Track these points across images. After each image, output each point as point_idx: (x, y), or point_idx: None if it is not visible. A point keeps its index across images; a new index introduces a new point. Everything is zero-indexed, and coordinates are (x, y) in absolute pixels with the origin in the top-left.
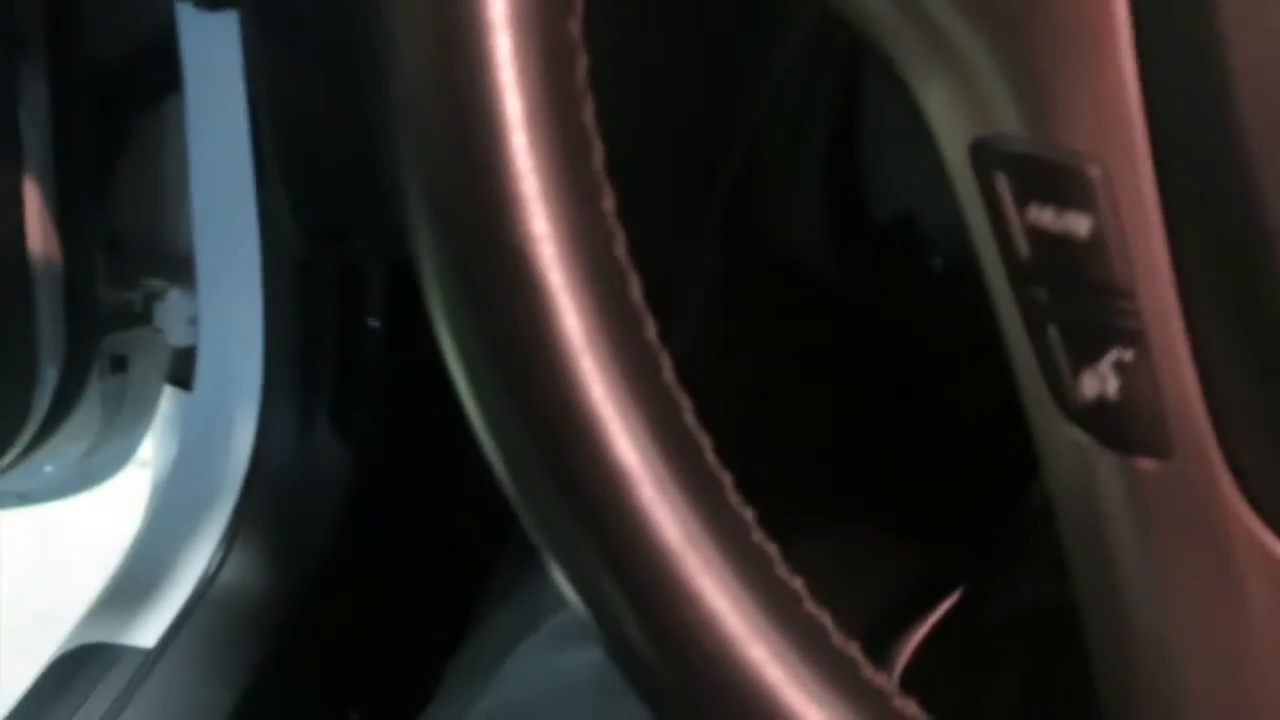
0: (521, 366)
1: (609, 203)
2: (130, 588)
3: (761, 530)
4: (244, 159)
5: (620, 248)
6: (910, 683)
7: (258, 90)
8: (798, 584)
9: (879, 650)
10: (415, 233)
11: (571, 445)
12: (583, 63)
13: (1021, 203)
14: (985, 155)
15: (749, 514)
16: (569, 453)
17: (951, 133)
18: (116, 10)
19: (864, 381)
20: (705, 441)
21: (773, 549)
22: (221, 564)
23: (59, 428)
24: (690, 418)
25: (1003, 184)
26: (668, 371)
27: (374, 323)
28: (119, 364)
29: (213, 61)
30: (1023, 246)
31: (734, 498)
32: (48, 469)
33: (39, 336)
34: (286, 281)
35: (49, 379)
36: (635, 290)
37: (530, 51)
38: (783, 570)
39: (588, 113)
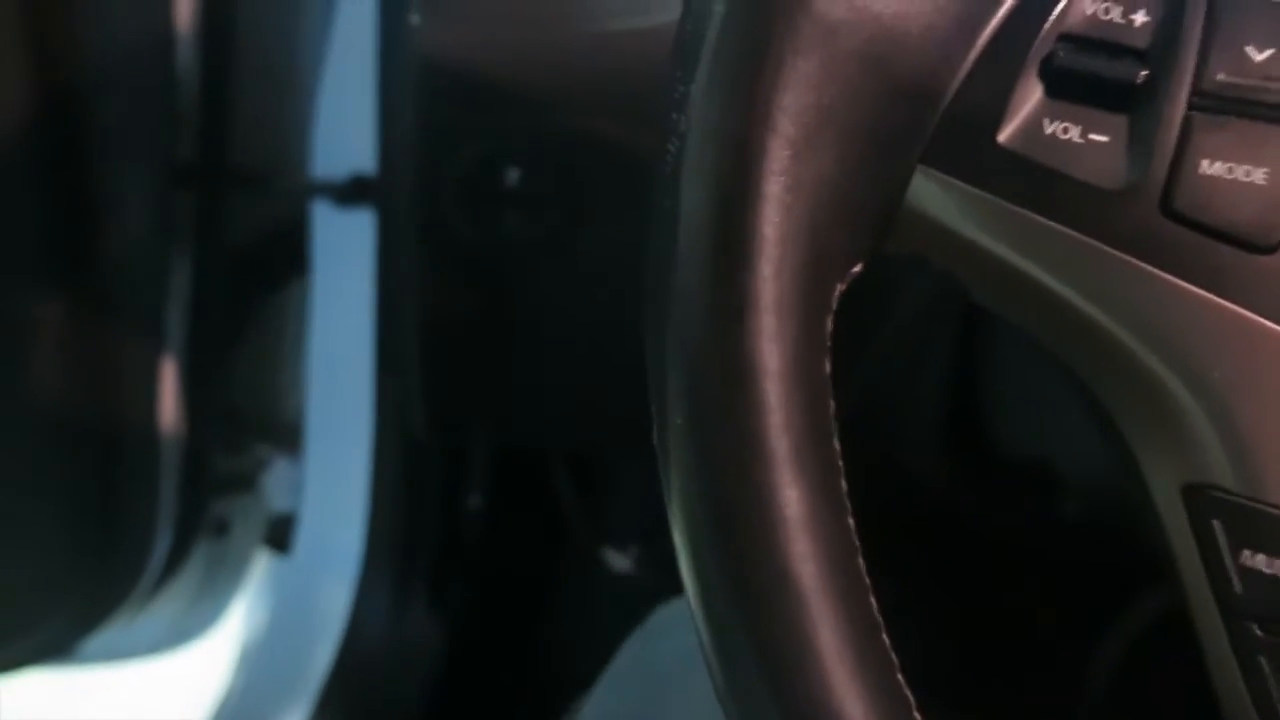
0: (784, 675)
1: (851, 520)
2: None
3: None
4: (364, 344)
5: (861, 560)
6: None
7: (389, 285)
8: None
9: None
10: (686, 547)
11: None
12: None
13: (1236, 547)
14: (1199, 500)
15: None
16: None
17: (1164, 473)
18: (258, 205)
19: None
20: None
21: None
22: None
23: (163, 589)
24: (917, 713)
25: (1218, 529)
26: (899, 673)
27: (475, 502)
28: (221, 528)
29: (343, 252)
30: (1236, 584)
31: None
32: (143, 629)
33: (160, 501)
34: (395, 460)
35: (164, 541)
36: (873, 600)
37: (797, 398)
38: None
39: (836, 441)
